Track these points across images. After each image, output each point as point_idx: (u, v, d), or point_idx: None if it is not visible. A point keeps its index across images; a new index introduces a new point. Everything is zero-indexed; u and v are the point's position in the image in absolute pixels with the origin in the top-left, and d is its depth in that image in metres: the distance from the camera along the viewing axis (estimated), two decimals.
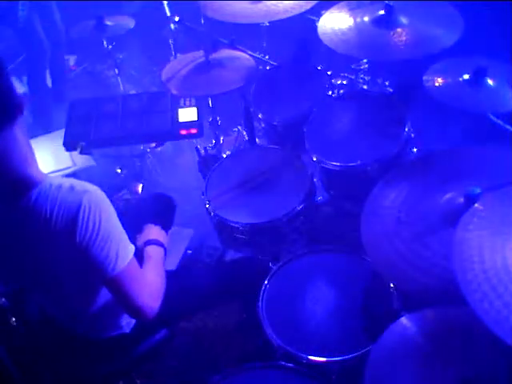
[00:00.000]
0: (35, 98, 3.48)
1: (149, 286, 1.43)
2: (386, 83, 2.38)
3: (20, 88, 3.19)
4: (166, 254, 1.70)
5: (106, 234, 1.27)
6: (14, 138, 1.19)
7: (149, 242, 1.69)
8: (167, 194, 2.14)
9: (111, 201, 1.33)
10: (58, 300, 1.53)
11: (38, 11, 3.32)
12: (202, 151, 2.57)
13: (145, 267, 1.53)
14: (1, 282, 1.57)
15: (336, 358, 1.55)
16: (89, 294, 1.49)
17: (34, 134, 2.90)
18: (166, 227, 1.82)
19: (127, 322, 1.63)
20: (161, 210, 2.00)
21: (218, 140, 2.71)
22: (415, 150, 2.11)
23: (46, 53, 3.45)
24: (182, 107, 2.56)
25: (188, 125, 2.50)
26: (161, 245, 1.70)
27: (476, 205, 1.32)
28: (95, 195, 1.27)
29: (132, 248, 1.37)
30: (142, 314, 1.39)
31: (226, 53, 2.40)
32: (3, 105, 1.14)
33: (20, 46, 3.51)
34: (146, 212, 1.94)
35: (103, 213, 1.26)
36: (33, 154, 1.27)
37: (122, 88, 3.19)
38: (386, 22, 2.06)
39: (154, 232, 1.75)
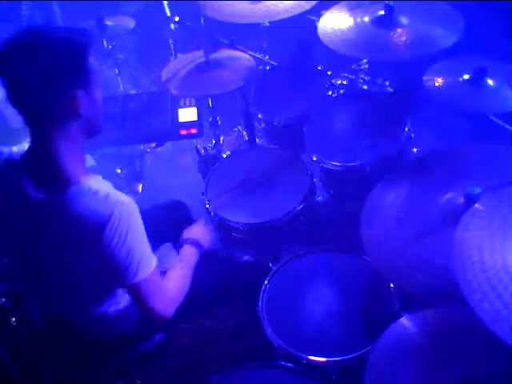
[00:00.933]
0: None
1: (166, 294, 1.46)
2: (386, 83, 2.38)
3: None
4: (202, 253, 1.75)
5: (131, 245, 1.29)
6: (67, 137, 1.26)
7: (188, 241, 1.74)
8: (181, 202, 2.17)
9: None
10: (66, 298, 1.52)
11: (40, 11, 3.33)
12: (202, 151, 2.57)
13: (168, 274, 1.55)
14: (14, 270, 1.57)
15: (336, 358, 1.55)
16: (97, 297, 1.49)
17: None
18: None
19: (129, 324, 1.62)
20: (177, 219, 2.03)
21: (218, 140, 2.71)
22: (415, 149, 2.11)
23: None
24: (182, 107, 2.55)
25: (188, 125, 2.50)
26: (197, 246, 1.74)
27: (476, 205, 1.32)
28: (127, 207, 1.29)
29: (155, 260, 1.39)
30: (156, 316, 1.44)
31: (226, 53, 2.40)
32: (59, 105, 1.21)
33: None
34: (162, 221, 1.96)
35: (132, 225, 1.29)
36: (81, 155, 1.32)
37: (121, 88, 3.19)
38: (386, 22, 2.06)
39: (197, 231, 1.81)
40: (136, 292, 1.39)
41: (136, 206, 1.32)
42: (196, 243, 1.75)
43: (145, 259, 1.35)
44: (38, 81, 1.17)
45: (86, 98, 1.25)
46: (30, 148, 1.30)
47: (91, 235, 1.25)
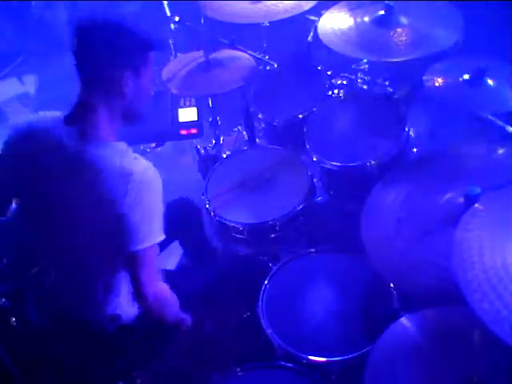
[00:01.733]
0: None
1: (157, 275, 1.47)
2: (386, 83, 2.38)
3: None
4: None
5: (147, 209, 1.37)
6: (109, 108, 1.42)
7: None
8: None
9: None
10: (73, 273, 1.53)
11: (48, 10, 3.37)
12: (202, 151, 2.57)
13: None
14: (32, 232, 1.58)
15: (336, 358, 1.55)
16: (105, 271, 1.50)
17: None
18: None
19: (134, 313, 1.62)
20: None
21: (218, 140, 2.71)
22: (415, 150, 2.11)
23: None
24: (182, 107, 2.55)
25: (188, 125, 2.50)
26: None
27: (476, 205, 1.32)
28: (153, 172, 1.40)
29: (162, 236, 1.42)
30: (142, 299, 1.44)
31: (226, 53, 2.40)
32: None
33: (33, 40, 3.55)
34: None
35: (154, 190, 1.39)
36: (115, 125, 1.45)
37: None
38: (386, 22, 2.06)
39: None
40: (135, 263, 1.40)
41: (159, 176, 1.42)
42: None
43: (155, 229, 1.40)
44: (100, 54, 1.37)
45: (133, 81, 1.41)
46: (74, 109, 1.43)
47: (117, 187, 1.34)
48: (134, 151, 1.44)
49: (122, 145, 1.43)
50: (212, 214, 2.05)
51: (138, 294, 1.43)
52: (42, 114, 1.51)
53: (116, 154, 1.38)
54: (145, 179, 1.37)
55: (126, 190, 1.33)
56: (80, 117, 1.41)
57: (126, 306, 1.59)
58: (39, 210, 1.49)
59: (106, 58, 1.38)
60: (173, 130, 2.50)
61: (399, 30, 2.02)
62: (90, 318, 1.58)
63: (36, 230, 1.55)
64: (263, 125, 2.47)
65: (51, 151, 1.41)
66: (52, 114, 1.47)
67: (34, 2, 3.21)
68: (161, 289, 1.48)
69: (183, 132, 2.49)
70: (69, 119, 1.43)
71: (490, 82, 1.80)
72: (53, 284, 1.63)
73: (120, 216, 1.34)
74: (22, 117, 1.52)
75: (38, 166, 1.43)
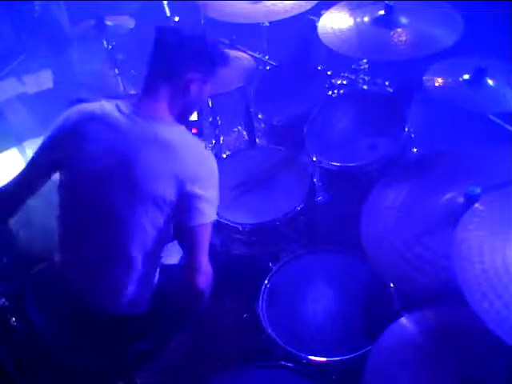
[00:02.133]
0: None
1: (206, 261, 1.54)
2: (386, 83, 2.38)
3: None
4: None
5: (214, 186, 1.49)
6: (170, 99, 1.51)
7: None
8: None
9: None
10: (100, 254, 1.53)
11: (50, 10, 3.39)
12: None
13: None
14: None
15: (336, 358, 1.55)
16: (136, 254, 1.51)
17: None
18: None
19: (143, 302, 1.61)
20: None
21: (218, 140, 2.71)
22: (415, 149, 2.11)
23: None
24: None
25: (188, 125, 2.50)
26: None
27: (476, 205, 1.32)
28: (215, 164, 1.51)
29: (216, 217, 1.53)
30: (197, 270, 1.51)
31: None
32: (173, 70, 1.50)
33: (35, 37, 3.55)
34: None
35: (216, 170, 1.50)
36: (175, 113, 1.54)
37: (121, 88, 3.19)
38: (386, 22, 2.06)
39: None
40: (193, 237, 1.48)
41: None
42: None
43: (214, 205, 1.50)
44: (176, 53, 1.49)
45: (199, 85, 1.53)
46: (141, 96, 1.52)
47: (194, 162, 1.45)
48: None
49: (184, 128, 1.54)
50: None
51: (194, 264, 1.50)
52: (101, 102, 1.57)
53: (186, 134, 1.52)
54: (212, 159, 1.50)
55: (200, 166, 1.46)
56: (147, 101, 1.50)
57: (147, 291, 1.60)
58: (86, 190, 1.51)
59: (184, 57, 1.50)
60: None
61: (399, 30, 2.02)
62: (108, 303, 1.58)
63: (74, 211, 1.56)
64: (263, 125, 2.47)
65: (119, 133, 1.46)
66: (110, 103, 1.54)
67: (36, 2, 3.22)
68: (208, 265, 1.55)
69: None
70: (136, 104, 1.51)
71: (490, 81, 1.80)
72: (73, 265, 1.62)
73: (193, 190, 1.43)
74: (84, 103, 1.59)
75: (103, 147, 1.47)
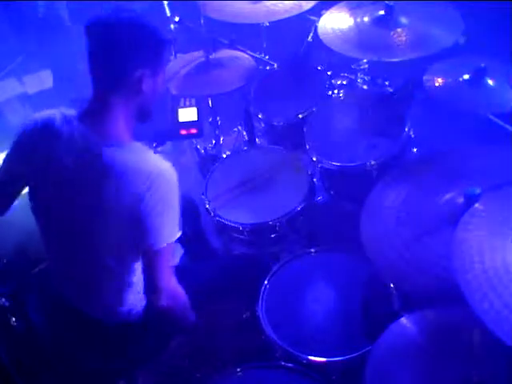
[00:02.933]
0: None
1: (172, 273, 1.50)
2: (386, 83, 2.38)
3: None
4: None
5: (167, 208, 1.39)
6: (125, 106, 1.40)
7: None
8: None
9: None
10: (87, 266, 1.53)
11: (53, 10, 3.40)
12: (202, 151, 2.57)
13: None
14: (45, 226, 1.56)
15: (336, 358, 1.55)
16: (117, 266, 1.50)
17: None
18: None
19: (139, 309, 1.62)
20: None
21: (217, 140, 2.71)
22: (415, 150, 2.11)
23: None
24: (182, 107, 2.55)
25: (188, 125, 2.50)
26: None
27: (476, 205, 1.32)
28: (171, 171, 1.40)
29: (179, 233, 1.45)
30: (157, 293, 1.46)
31: (225, 53, 2.40)
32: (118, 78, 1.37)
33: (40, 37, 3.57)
34: None
35: (173, 189, 1.40)
36: (130, 124, 1.45)
37: None
38: (386, 22, 2.06)
39: None
40: (153, 260, 1.43)
41: (176, 174, 1.42)
42: None
43: (173, 227, 1.42)
44: (116, 53, 1.35)
45: (150, 80, 1.40)
46: (89, 107, 1.42)
47: (136, 188, 1.34)
48: None
49: (140, 145, 1.43)
50: (212, 214, 2.05)
51: (153, 287, 1.46)
52: (55, 111, 1.48)
53: (135, 154, 1.39)
54: (164, 179, 1.38)
55: (146, 191, 1.34)
56: (96, 116, 1.41)
57: (139, 300, 1.60)
58: (53, 207, 1.49)
59: (122, 56, 1.36)
60: (173, 130, 2.49)
61: (399, 29, 2.03)
62: (104, 313, 1.59)
63: (47, 228, 1.55)
64: (263, 125, 2.47)
65: (67, 151, 1.40)
66: (67, 112, 1.46)
67: (40, 2, 3.23)
68: (174, 283, 1.51)
69: (183, 132, 2.49)
70: (84, 118, 1.42)
71: (490, 81, 1.80)
72: (63, 279, 1.62)
73: (141, 216, 1.36)
74: (41, 112, 1.49)
75: (53, 165, 1.43)
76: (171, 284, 1.49)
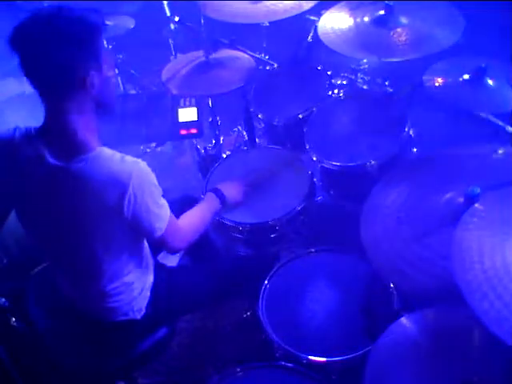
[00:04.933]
0: None
1: (181, 231, 1.58)
2: (386, 83, 2.38)
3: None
4: (224, 206, 1.89)
5: (151, 201, 1.40)
6: (80, 111, 1.33)
7: (216, 191, 1.88)
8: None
9: None
10: (80, 272, 1.54)
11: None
12: (202, 151, 2.57)
13: (184, 215, 1.67)
14: (33, 246, 1.56)
15: (336, 358, 1.55)
16: (112, 267, 1.51)
17: None
18: None
19: (138, 308, 1.62)
20: None
21: (217, 140, 2.71)
22: (415, 150, 2.11)
23: None
24: (182, 107, 2.55)
25: (188, 125, 2.50)
26: (221, 198, 1.86)
27: (476, 205, 1.32)
28: (144, 166, 1.38)
29: (167, 206, 1.48)
30: (170, 249, 1.61)
31: (225, 53, 2.40)
32: (64, 78, 1.28)
33: None
34: None
35: (151, 182, 1.40)
36: (94, 128, 1.39)
37: (121, 88, 3.19)
38: (386, 22, 2.06)
39: (228, 187, 1.92)
40: (158, 241, 1.50)
41: (147, 167, 1.40)
42: (222, 196, 1.86)
43: (163, 211, 1.46)
44: (50, 59, 1.25)
45: (97, 77, 1.32)
46: (45, 120, 1.36)
47: (114, 196, 1.31)
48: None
49: (104, 150, 1.36)
50: None
51: (163, 246, 1.57)
52: (12, 129, 1.42)
53: (105, 162, 1.33)
54: (143, 176, 1.37)
55: (125, 193, 1.31)
56: (53, 129, 1.35)
57: (137, 300, 1.61)
58: (36, 223, 1.48)
59: (58, 62, 1.25)
60: (173, 130, 2.50)
61: (399, 29, 2.02)
62: (103, 314, 1.59)
63: (39, 242, 1.55)
64: (263, 125, 2.47)
65: (31, 171, 1.36)
66: (25, 129, 1.40)
67: (45, 2, 3.24)
68: (187, 232, 1.63)
69: (183, 132, 2.49)
70: (42, 133, 1.37)
71: (490, 81, 1.80)
72: (62, 280, 1.64)
73: (131, 215, 1.36)
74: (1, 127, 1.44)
75: (23, 184, 1.40)
76: (182, 241, 1.61)
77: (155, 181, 1.42)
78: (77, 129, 1.34)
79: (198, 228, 1.71)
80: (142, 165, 1.38)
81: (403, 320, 1.45)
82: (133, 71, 3.54)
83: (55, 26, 1.25)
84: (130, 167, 1.34)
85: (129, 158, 1.37)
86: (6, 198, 1.46)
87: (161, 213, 1.45)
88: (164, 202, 1.47)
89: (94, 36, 1.31)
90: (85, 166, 1.32)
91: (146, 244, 1.61)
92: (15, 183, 1.41)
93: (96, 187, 1.31)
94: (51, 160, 1.33)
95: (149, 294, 1.63)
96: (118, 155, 1.36)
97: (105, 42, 1.39)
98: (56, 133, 1.35)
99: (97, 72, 1.32)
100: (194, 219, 1.71)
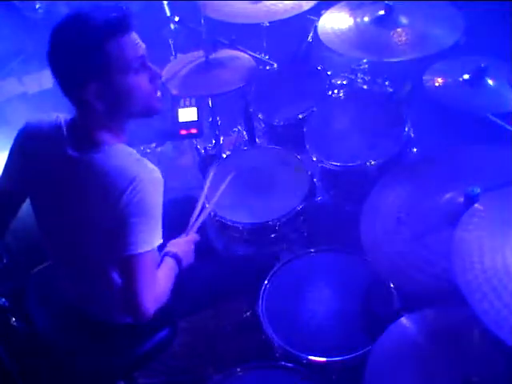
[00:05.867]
0: None
1: (155, 288, 1.39)
2: (386, 83, 2.38)
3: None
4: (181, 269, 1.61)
5: (145, 213, 1.31)
6: (96, 116, 1.34)
7: (170, 254, 1.59)
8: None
9: None
10: (84, 270, 1.53)
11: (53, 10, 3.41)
12: (202, 151, 2.57)
13: (159, 270, 1.50)
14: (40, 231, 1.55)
15: (336, 358, 1.55)
16: (108, 268, 1.49)
17: None
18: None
19: None
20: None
21: (217, 140, 2.70)
22: (415, 150, 2.11)
23: None
24: (182, 107, 2.55)
25: (188, 125, 2.50)
26: (178, 261, 1.59)
27: (476, 205, 1.32)
28: (155, 175, 1.34)
29: (160, 241, 1.36)
30: (136, 312, 1.34)
31: (225, 53, 2.40)
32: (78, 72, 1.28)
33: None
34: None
35: (154, 194, 1.32)
36: (115, 125, 1.39)
37: None
38: (386, 22, 2.06)
39: (179, 245, 1.66)
40: (129, 270, 1.31)
41: (162, 179, 1.36)
42: (176, 257, 1.59)
43: (153, 234, 1.33)
44: (62, 75, 1.31)
45: (102, 88, 1.29)
46: (75, 113, 1.40)
47: (115, 192, 1.29)
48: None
49: (122, 146, 1.38)
50: (212, 213, 2.05)
51: (130, 303, 1.34)
52: (45, 115, 1.46)
53: (118, 157, 1.34)
54: (148, 183, 1.31)
55: (129, 193, 1.28)
56: (76, 121, 1.41)
57: None
58: (47, 213, 1.49)
59: (67, 79, 1.31)
60: (173, 130, 2.50)
61: (399, 29, 2.02)
62: (103, 314, 1.59)
63: (45, 233, 1.55)
64: (263, 125, 2.47)
65: (53, 156, 1.40)
66: (59, 116, 1.44)
67: (39, 2, 3.24)
68: (157, 297, 1.40)
69: (183, 132, 2.49)
70: (69, 123, 1.42)
71: (490, 81, 1.80)
72: (63, 279, 1.63)
73: (118, 219, 1.30)
74: (35, 115, 1.47)
75: (41, 169, 1.43)
76: (154, 299, 1.36)
77: (160, 200, 1.34)
78: (95, 126, 1.36)
79: (167, 290, 1.48)
80: (156, 174, 1.34)
81: (403, 320, 1.45)
82: None
83: (66, 33, 1.31)
84: (142, 169, 1.32)
85: (146, 162, 1.35)
86: (24, 182, 1.48)
87: (144, 234, 1.31)
88: (158, 227, 1.35)
89: (93, 49, 1.27)
90: (97, 157, 1.33)
91: None
92: (35, 169, 1.44)
93: (102, 179, 1.31)
94: (69, 150, 1.37)
95: None
96: (136, 155, 1.36)
97: (138, 41, 1.37)
98: (77, 126, 1.39)
99: (102, 83, 1.29)
100: (166, 278, 1.50)
